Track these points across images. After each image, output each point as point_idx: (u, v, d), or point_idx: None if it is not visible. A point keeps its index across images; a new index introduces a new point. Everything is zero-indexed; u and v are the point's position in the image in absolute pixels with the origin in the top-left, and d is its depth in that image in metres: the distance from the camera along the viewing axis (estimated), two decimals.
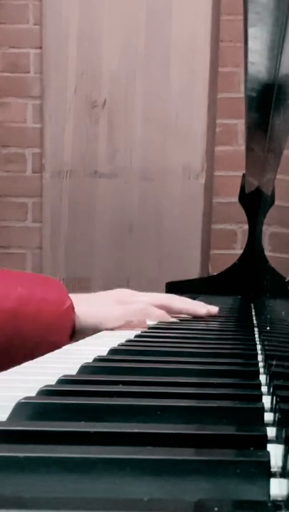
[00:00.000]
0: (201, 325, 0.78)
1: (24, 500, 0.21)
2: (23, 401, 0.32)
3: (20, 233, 2.41)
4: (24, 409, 0.32)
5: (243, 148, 1.40)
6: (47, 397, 0.35)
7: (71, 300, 0.79)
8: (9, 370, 0.47)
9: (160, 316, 0.82)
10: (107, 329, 0.79)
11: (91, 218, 2.26)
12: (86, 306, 0.80)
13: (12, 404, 0.32)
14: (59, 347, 0.68)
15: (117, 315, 0.80)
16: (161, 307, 0.84)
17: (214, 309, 0.89)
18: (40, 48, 2.35)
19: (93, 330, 0.79)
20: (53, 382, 0.39)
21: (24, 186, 2.42)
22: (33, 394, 0.35)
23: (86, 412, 0.32)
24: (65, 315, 0.78)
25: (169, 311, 0.85)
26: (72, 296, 0.80)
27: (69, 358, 0.54)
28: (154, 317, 0.82)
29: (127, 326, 0.79)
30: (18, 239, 2.41)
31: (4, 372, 0.46)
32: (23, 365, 0.50)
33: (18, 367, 0.49)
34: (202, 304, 0.91)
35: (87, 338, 0.72)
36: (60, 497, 0.22)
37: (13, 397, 0.33)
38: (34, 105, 2.40)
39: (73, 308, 0.79)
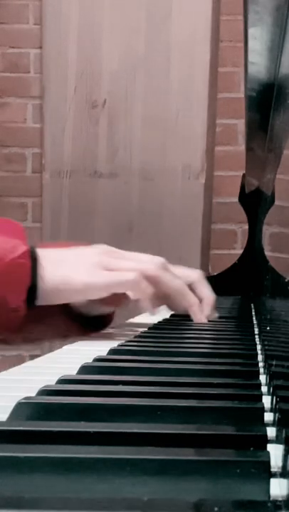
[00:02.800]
0: (201, 325, 0.78)
1: (24, 500, 0.21)
2: (23, 401, 0.32)
3: None
4: (24, 409, 0.32)
5: (243, 148, 1.40)
6: (47, 397, 0.35)
7: (29, 249, 0.64)
8: (9, 370, 0.47)
9: (146, 296, 0.66)
10: (83, 300, 0.66)
11: (91, 218, 2.26)
12: (55, 264, 0.65)
13: (12, 405, 0.32)
14: (13, 309, 0.58)
15: (99, 283, 0.64)
16: (150, 280, 0.67)
17: (213, 315, 0.77)
18: (40, 47, 2.35)
19: (65, 299, 0.66)
20: (53, 382, 0.39)
21: (24, 186, 2.42)
22: (33, 394, 0.35)
23: (86, 412, 0.32)
24: (14, 266, 0.62)
25: (158, 288, 0.68)
26: (38, 250, 0.65)
27: (69, 358, 0.54)
28: (142, 295, 0.66)
29: (110, 301, 0.66)
30: None
31: (4, 373, 0.46)
32: (23, 365, 0.50)
33: (18, 367, 0.49)
34: (197, 301, 0.74)
35: (87, 340, 0.71)
36: (60, 497, 0.22)
37: (13, 397, 0.33)
38: (34, 105, 2.40)
39: (29, 260, 0.63)
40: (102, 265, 0.66)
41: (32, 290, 0.64)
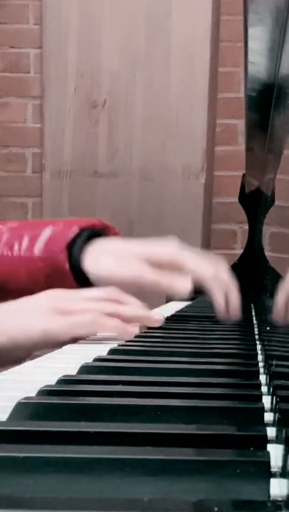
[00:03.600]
0: (201, 325, 0.78)
1: (24, 500, 0.21)
2: (23, 401, 0.32)
3: None
4: (24, 409, 0.32)
5: (243, 148, 1.40)
6: (47, 397, 0.35)
7: None
8: (9, 370, 0.47)
9: (115, 328, 0.63)
10: (43, 347, 0.63)
11: (91, 218, 2.26)
12: (8, 315, 0.64)
13: (12, 404, 0.32)
14: None
15: (58, 329, 0.62)
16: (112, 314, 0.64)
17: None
18: (40, 47, 2.35)
19: (25, 350, 0.63)
20: (53, 382, 0.39)
21: (24, 186, 2.42)
22: (33, 394, 0.35)
23: (86, 412, 0.32)
24: None
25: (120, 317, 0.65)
26: None
27: (69, 357, 0.54)
28: (108, 330, 0.63)
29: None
30: None
31: (4, 372, 0.46)
32: (23, 365, 0.50)
33: (18, 367, 0.49)
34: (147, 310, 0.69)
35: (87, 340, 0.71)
36: (60, 497, 0.22)
37: (13, 397, 0.33)
38: (34, 105, 2.40)
39: None
40: (55, 311, 0.63)
41: None
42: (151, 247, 0.79)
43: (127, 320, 0.64)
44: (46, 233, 0.80)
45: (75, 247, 0.78)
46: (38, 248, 0.79)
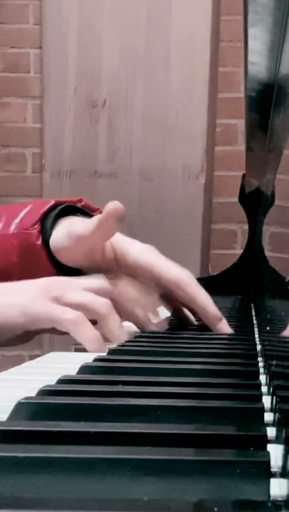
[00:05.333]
0: (201, 325, 0.78)
1: (24, 500, 0.21)
2: (23, 401, 0.32)
3: None
4: (24, 409, 0.32)
5: (243, 148, 1.40)
6: (47, 397, 0.35)
7: None
8: (9, 370, 0.47)
9: (87, 340, 0.58)
10: (20, 331, 0.61)
11: None
12: None
13: (12, 404, 0.32)
14: None
15: (41, 313, 0.59)
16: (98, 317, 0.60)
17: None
18: (40, 47, 2.35)
19: (5, 330, 0.61)
20: (53, 382, 0.39)
21: (24, 186, 2.42)
22: (33, 394, 0.35)
23: (86, 412, 0.32)
24: None
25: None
26: None
27: (69, 358, 0.54)
28: (81, 339, 0.58)
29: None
30: None
31: (4, 372, 0.46)
32: (23, 365, 0.50)
33: (18, 367, 0.49)
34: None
35: None
36: (60, 497, 0.22)
37: (13, 397, 0.33)
38: (34, 105, 2.40)
39: None
40: (47, 295, 0.60)
41: None
42: None
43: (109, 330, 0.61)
44: (24, 211, 0.73)
45: (47, 220, 0.71)
46: (13, 225, 0.72)
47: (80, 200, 0.75)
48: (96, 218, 0.66)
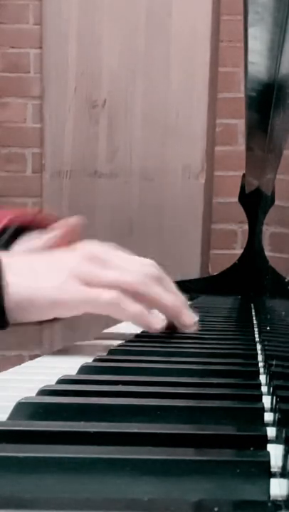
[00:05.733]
0: (201, 325, 0.78)
1: (24, 500, 0.21)
2: (23, 401, 0.32)
3: None
4: (24, 409, 0.32)
5: (243, 148, 1.40)
6: (47, 397, 0.35)
7: None
8: (9, 370, 0.47)
9: (134, 316, 0.56)
10: (53, 316, 0.57)
11: (91, 218, 2.26)
12: (22, 277, 0.55)
13: (12, 404, 0.32)
14: None
15: (70, 301, 0.55)
16: (134, 295, 0.56)
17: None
18: (40, 47, 2.35)
19: (30, 319, 0.56)
20: (53, 382, 0.39)
21: (24, 186, 2.42)
22: (33, 394, 0.35)
23: (86, 412, 0.32)
24: None
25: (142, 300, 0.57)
26: (3, 257, 0.55)
27: (69, 357, 0.54)
28: (126, 317, 0.56)
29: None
30: None
31: (4, 372, 0.46)
32: (23, 365, 0.50)
33: (18, 367, 0.49)
34: (192, 322, 0.62)
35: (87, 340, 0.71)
36: (60, 497, 0.22)
37: (13, 397, 0.33)
38: (34, 105, 2.40)
39: None
40: (79, 277, 0.55)
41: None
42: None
43: (152, 306, 0.57)
44: None
45: None
46: None
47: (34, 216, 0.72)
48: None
